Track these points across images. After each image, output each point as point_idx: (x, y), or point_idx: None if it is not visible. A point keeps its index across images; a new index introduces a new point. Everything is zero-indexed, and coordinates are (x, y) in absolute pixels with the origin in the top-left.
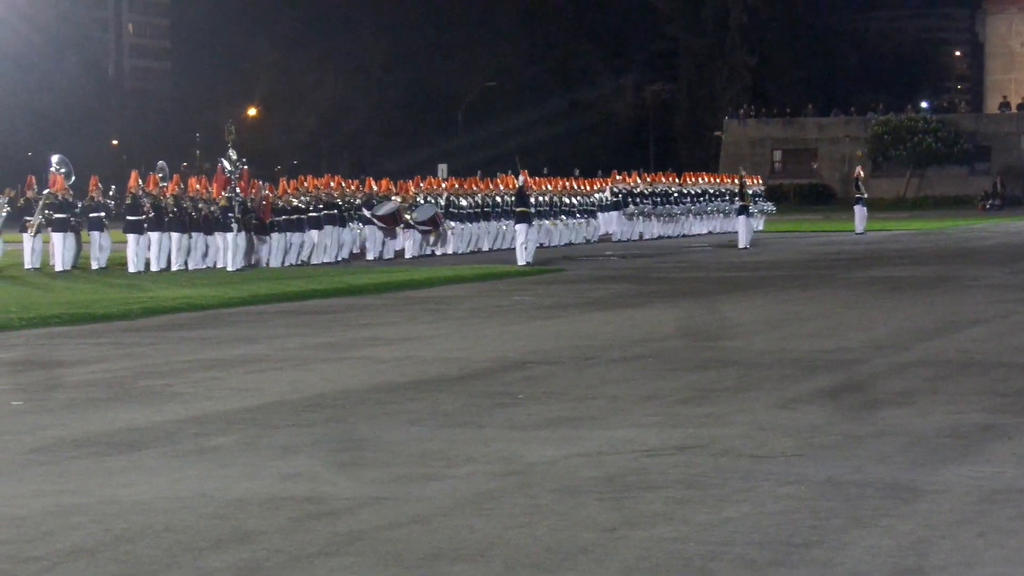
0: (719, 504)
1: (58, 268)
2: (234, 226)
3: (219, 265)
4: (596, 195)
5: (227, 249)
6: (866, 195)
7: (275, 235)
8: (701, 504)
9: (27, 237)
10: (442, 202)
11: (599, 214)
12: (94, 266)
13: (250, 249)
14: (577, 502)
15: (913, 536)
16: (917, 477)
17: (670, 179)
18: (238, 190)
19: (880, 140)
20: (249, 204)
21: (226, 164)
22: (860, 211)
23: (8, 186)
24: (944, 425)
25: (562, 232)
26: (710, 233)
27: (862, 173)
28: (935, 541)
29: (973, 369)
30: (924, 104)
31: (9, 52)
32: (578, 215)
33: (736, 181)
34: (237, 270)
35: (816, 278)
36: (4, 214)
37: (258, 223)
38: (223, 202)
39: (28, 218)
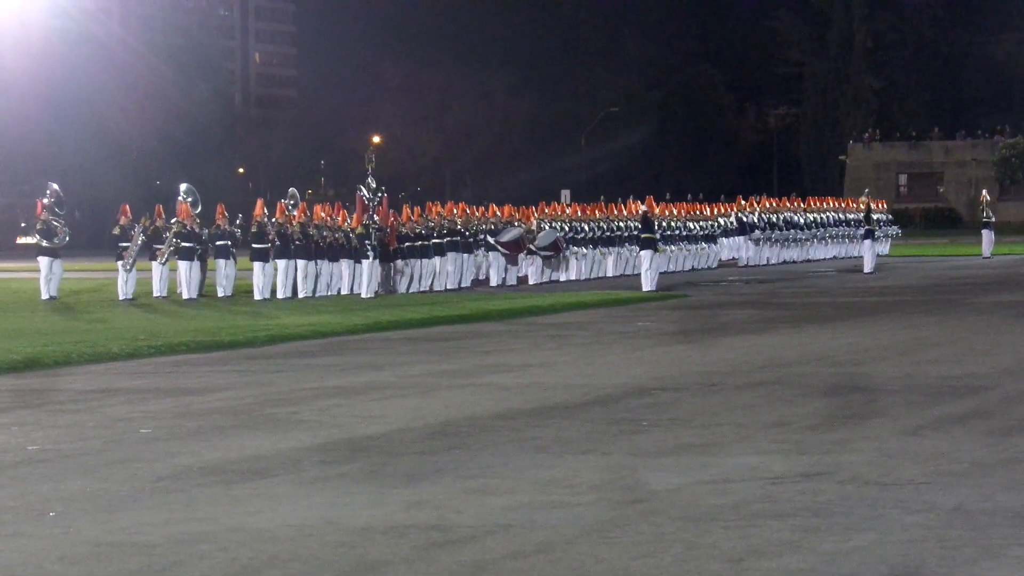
0: (846, 533)
1: (185, 296)
2: (371, 253)
3: (343, 292)
4: (720, 220)
5: (361, 276)
6: (993, 219)
7: (399, 262)
8: (828, 532)
9: (156, 265)
10: (565, 228)
11: (726, 239)
12: (220, 294)
13: (386, 276)
14: (702, 530)
15: None
16: None
17: (795, 204)
18: (376, 218)
19: (1007, 163)
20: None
21: (365, 192)
22: (987, 235)
23: (142, 215)
24: None
25: (684, 258)
26: (835, 258)
27: (988, 197)
28: None
29: None
30: None
31: (140, 83)
32: (700, 241)
33: (862, 206)
34: (371, 297)
35: (943, 303)
36: (140, 243)
37: (383, 250)
38: (360, 230)
39: (158, 246)
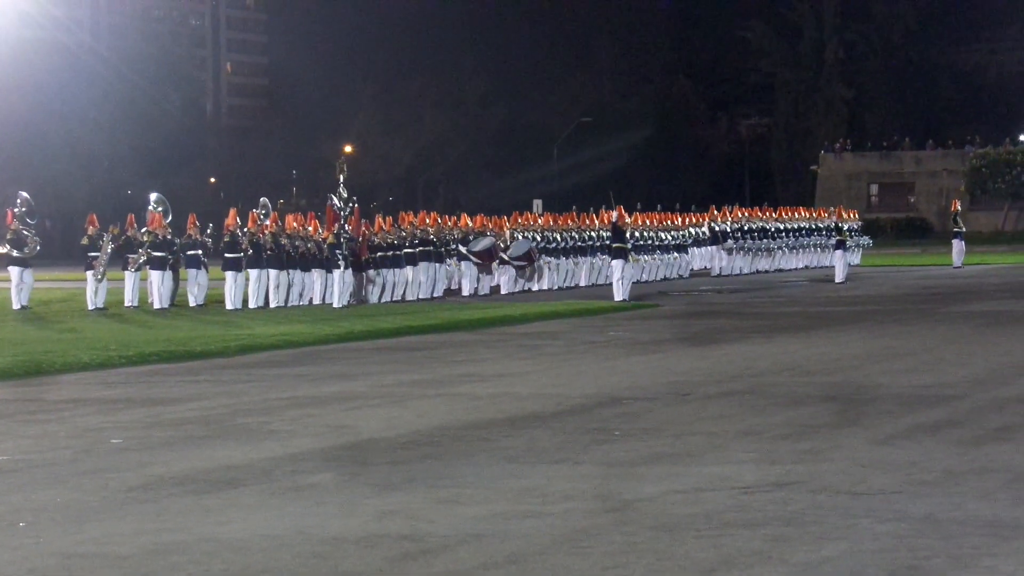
0: (817, 542)
1: (156, 305)
2: (342, 263)
3: (316, 302)
4: (692, 230)
5: (332, 286)
6: (964, 229)
7: (371, 271)
8: (799, 542)
9: (127, 274)
10: (537, 237)
11: (698, 248)
12: (192, 303)
13: (358, 286)
14: (674, 540)
15: None
16: (1020, 515)
17: (767, 213)
18: (348, 227)
19: (978, 173)
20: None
21: (336, 201)
22: (958, 245)
23: (111, 224)
24: None
25: (657, 267)
26: (807, 268)
27: (959, 207)
28: None
29: None
30: (1022, 137)
31: (110, 92)
32: (672, 250)
33: (833, 215)
34: (343, 307)
35: (914, 313)
36: (110, 251)
37: (355, 259)
38: (332, 240)
39: (130, 255)
